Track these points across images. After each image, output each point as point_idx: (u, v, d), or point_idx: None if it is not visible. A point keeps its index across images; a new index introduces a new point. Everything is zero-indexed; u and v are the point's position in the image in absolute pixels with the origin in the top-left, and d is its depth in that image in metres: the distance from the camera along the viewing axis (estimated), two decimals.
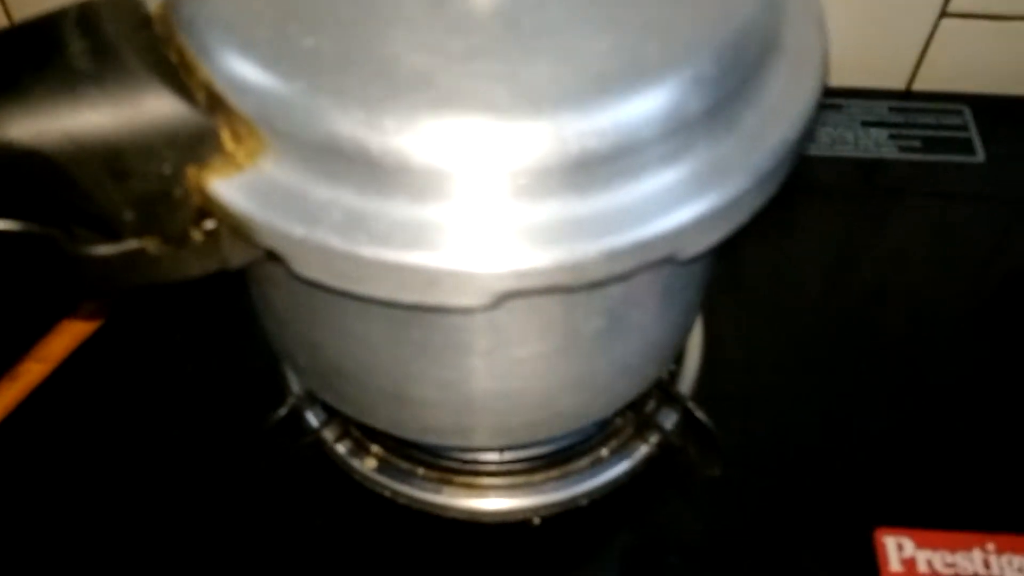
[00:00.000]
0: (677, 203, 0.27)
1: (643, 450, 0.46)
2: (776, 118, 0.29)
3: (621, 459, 0.46)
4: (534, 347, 0.33)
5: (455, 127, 0.25)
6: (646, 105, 0.26)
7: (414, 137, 0.25)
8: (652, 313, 0.34)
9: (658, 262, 0.27)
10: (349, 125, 0.25)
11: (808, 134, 0.30)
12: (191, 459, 0.47)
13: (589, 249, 0.26)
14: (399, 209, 0.26)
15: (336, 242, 0.26)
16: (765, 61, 0.29)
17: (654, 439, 0.46)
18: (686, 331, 0.43)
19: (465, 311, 0.27)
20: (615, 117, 0.26)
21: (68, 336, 0.52)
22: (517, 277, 0.26)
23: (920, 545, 0.44)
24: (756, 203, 0.29)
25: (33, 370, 0.51)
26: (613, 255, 0.26)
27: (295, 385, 0.47)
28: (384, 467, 0.45)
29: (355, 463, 0.45)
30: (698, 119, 0.27)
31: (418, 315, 0.30)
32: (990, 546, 0.44)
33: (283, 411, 0.44)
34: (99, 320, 0.52)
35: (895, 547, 0.44)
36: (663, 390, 0.46)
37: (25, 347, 0.51)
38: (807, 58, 0.31)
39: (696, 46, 0.27)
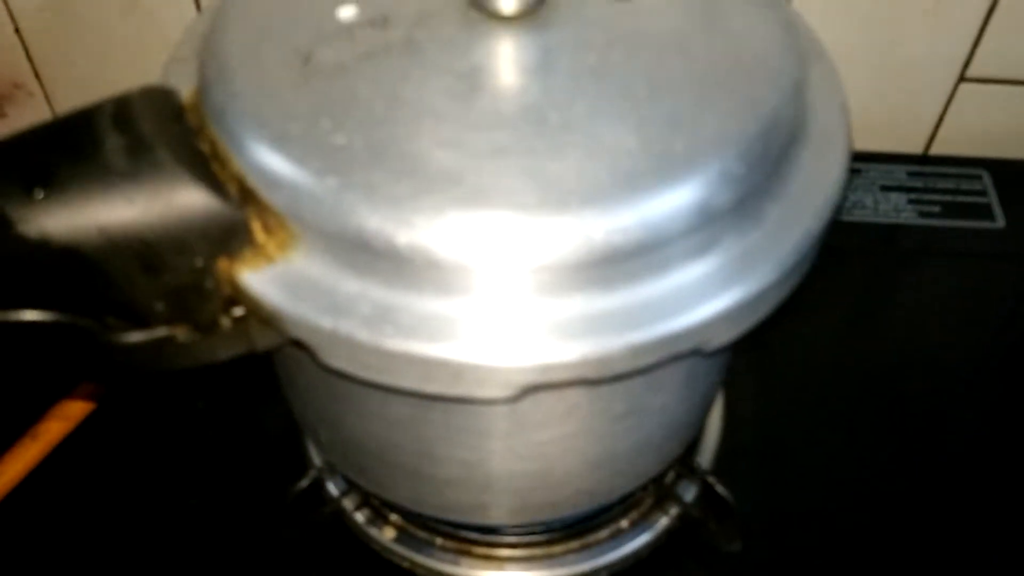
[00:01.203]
0: (703, 297, 0.27)
1: (663, 522, 0.46)
2: (801, 208, 0.29)
3: (641, 531, 0.46)
4: (555, 431, 0.33)
5: (482, 224, 0.26)
6: (672, 202, 0.26)
7: (442, 233, 0.25)
8: (675, 397, 0.34)
9: (683, 355, 0.27)
10: (378, 221, 0.26)
11: (832, 222, 0.30)
12: (212, 527, 0.47)
13: (614, 344, 0.26)
14: (426, 303, 0.26)
15: (363, 335, 0.26)
16: (790, 151, 0.30)
17: (674, 511, 0.46)
18: (708, 408, 0.43)
19: (489, 403, 0.27)
20: (641, 214, 0.26)
21: (90, 397, 0.52)
22: (541, 371, 0.26)
23: None
24: (782, 293, 0.29)
25: (53, 429, 0.51)
26: (638, 350, 0.26)
27: (316, 456, 0.47)
28: (402, 537, 0.45)
29: (374, 532, 0.45)
30: (724, 213, 0.27)
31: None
32: None
33: (305, 482, 0.44)
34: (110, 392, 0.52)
35: None
36: (683, 462, 0.46)
37: (46, 406, 0.51)
38: (831, 145, 0.31)
39: (723, 142, 0.27)
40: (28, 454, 0.50)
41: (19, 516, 0.48)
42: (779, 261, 0.28)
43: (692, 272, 0.27)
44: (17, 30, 0.63)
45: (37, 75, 0.67)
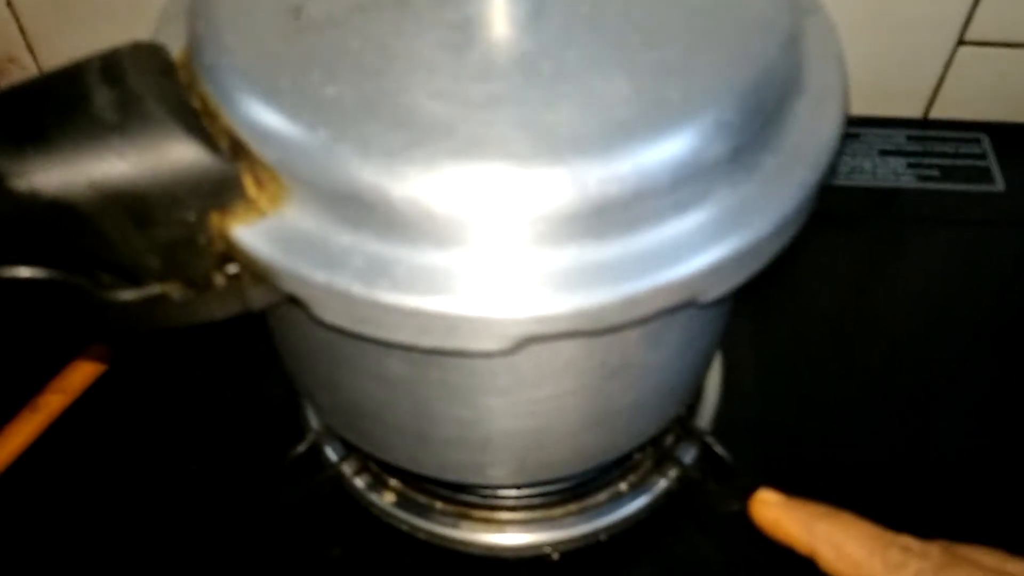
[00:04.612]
0: (697, 248, 0.27)
1: (662, 484, 0.46)
2: (797, 160, 0.29)
3: (640, 493, 0.46)
4: (553, 387, 0.33)
5: (476, 175, 0.25)
6: (667, 151, 0.26)
7: (435, 185, 0.25)
8: (672, 353, 0.34)
9: (678, 307, 0.27)
10: (370, 173, 0.25)
11: (829, 174, 0.30)
12: (210, 494, 0.47)
13: (609, 295, 0.26)
14: (420, 255, 0.26)
15: (358, 288, 0.26)
16: (786, 102, 0.29)
17: (673, 473, 0.46)
18: (706, 368, 0.43)
19: (485, 356, 0.27)
20: (636, 163, 0.26)
21: (88, 368, 0.52)
22: (537, 323, 0.26)
23: None
24: (777, 245, 0.29)
25: (53, 402, 0.51)
26: (633, 300, 0.26)
27: (314, 420, 0.47)
28: (402, 502, 0.45)
29: (373, 497, 0.45)
30: (719, 163, 0.27)
31: (437, 356, 0.30)
32: None
33: (303, 447, 0.44)
34: (119, 353, 0.52)
35: None
36: (682, 424, 0.46)
37: (46, 378, 0.51)
38: (828, 98, 0.31)
39: (718, 90, 0.27)
40: (28, 427, 0.50)
41: (20, 488, 0.48)
42: (775, 212, 0.28)
43: (687, 223, 0.27)
44: (9, 4, 0.63)
45: (31, 49, 0.66)
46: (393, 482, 0.46)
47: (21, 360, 0.51)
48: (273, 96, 0.27)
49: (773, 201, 0.28)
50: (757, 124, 0.28)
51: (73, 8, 0.63)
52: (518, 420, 0.34)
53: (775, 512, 0.37)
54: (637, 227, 0.27)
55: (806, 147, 0.29)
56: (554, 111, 0.26)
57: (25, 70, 0.67)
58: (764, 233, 0.28)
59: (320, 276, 0.26)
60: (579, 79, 0.27)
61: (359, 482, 0.46)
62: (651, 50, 0.28)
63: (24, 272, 0.27)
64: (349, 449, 0.46)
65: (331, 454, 0.46)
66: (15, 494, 0.48)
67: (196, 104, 0.28)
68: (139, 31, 0.62)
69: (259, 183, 0.27)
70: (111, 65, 0.27)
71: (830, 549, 0.35)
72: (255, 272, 0.27)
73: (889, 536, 0.35)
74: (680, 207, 0.27)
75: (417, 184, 0.25)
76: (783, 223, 0.28)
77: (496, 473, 0.38)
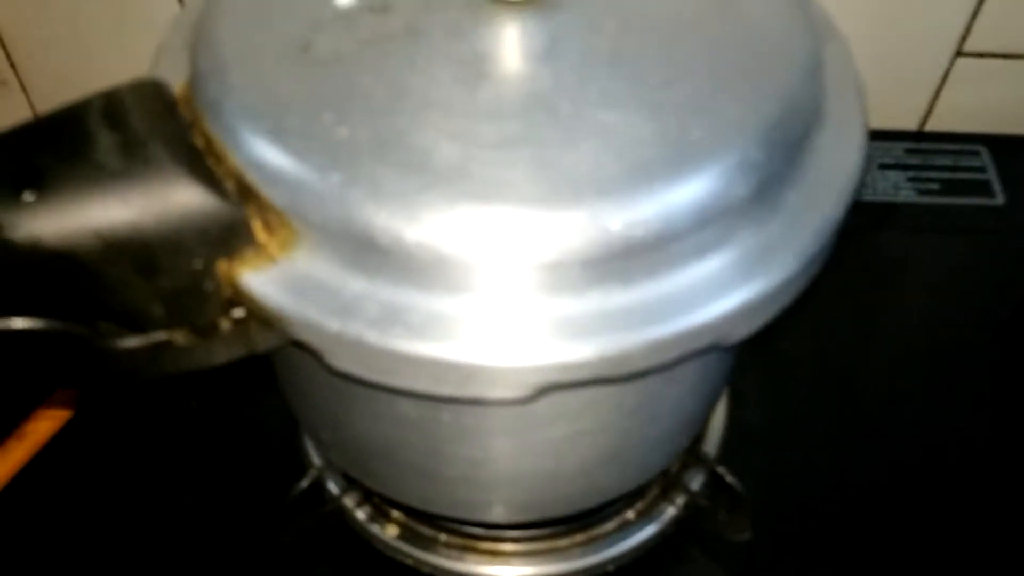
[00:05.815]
0: (722, 290, 0.26)
1: (670, 512, 0.45)
2: (820, 196, 0.28)
3: (648, 522, 0.45)
4: (568, 428, 0.32)
5: (493, 219, 0.24)
6: (691, 192, 0.25)
7: (451, 229, 0.24)
8: (688, 390, 0.33)
9: (703, 351, 0.27)
10: (385, 218, 0.24)
11: (852, 206, 0.29)
12: (211, 529, 0.46)
13: (632, 340, 0.25)
14: (436, 302, 0.25)
15: (372, 337, 0.25)
16: (808, 137, 0.29)
17: (681, 501, 0.45)
18: (718, 399, 0.43)
19: (503, 404, 0.26)
20: (659, 205, 0.25)
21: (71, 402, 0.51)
22: (558, 371, 0.25)
23: None
24: (802, 284, 0.28)
25: (42, 429, 0.50)
26: (657, 346, 0.26)
27: (315, 454, 0.46)
28: (406, 535, 0.44)
29: (376, 530, 0.44)
30: (744, 202, 0.26)
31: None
32: None
33: (305, 483, 0.43)
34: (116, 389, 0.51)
35: None
36: (689, 451, 0.45)
37: (34, 406, 0.50)
38: (847, 128, 0.30)
39: (741, 128, 0.26)
40: (14, 455, 0.48)
41: (8, 519, 0.46)
42: (799, 251, 0.27)
43: (710, 264, 0.26)
44: None
45: (13, 66, 0.65)
46: (396, 515, 0.45)
47: (8, 390, 0.50)
48: (281, 136, 0.26)
49: (798, 239, 0.27)
50: (781, 160, 0.27)
51: (58, 23, 0.61)
52: (531, 460, 0.33)
53: None
54: (660, 270, 0.26)
55: (828, 181, 0.29)
56: (573, 152, 0.25)
57: (5, 84, 0.66)
58: (789, 273, 0.27)
59: (333, 324, 0.25)
60: (598, 118, 0.26)
61: (361, 515, 0.45)
62: (671, 87, 0.27)
63: (21, 323, 0.26)
64: (351, 482, 0.44)
65: (332, 487, 0.45)
66: (3, 524, 0.46)
67: (199, 143, 0.26)
68: (126, 47, 0.61)
69: (268, 228, 0.26)
70: (112, 106, 0.26)
71: None
72: (264, 319, 0.26)
73: None
74: (704, 249, 0.26)
75: (433, 229, 0.24)
76: (808, 261, 0.27)
77: (506, 510, 0.37)
